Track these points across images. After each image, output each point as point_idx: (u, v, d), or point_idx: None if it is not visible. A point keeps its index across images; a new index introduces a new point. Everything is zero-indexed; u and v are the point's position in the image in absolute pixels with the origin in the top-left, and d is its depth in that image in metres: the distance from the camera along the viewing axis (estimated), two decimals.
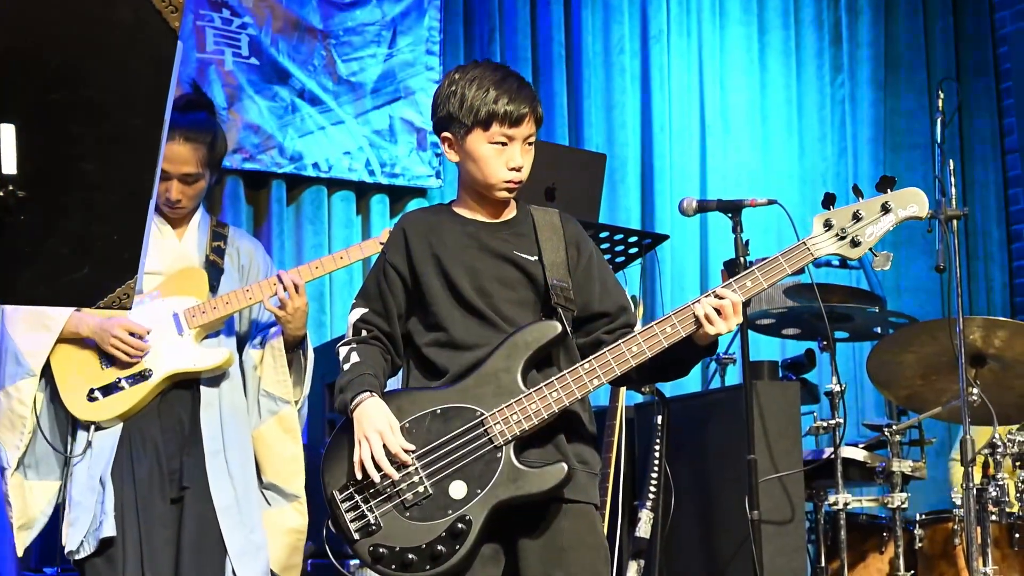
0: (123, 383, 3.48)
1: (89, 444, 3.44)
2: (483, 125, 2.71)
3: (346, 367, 2.73)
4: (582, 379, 2.64)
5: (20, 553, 3.47)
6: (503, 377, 2.64)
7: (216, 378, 3.57)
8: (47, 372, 3.49)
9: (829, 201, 2.71)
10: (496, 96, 2.69)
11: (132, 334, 3.47)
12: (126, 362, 3.48)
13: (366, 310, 2.79)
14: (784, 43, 6.63)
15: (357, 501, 2.64)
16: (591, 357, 2.66)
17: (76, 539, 3.38)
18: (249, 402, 3.64)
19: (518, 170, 2.72)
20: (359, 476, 2.63)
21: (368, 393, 2.66)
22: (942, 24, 6.94)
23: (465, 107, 2.71)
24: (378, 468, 2.60)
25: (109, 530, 3.36)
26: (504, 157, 2.71)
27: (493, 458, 2.62)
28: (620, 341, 2.66)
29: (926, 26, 6.91)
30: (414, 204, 5.73)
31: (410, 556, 2.59)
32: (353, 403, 2.66)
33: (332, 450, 2.72)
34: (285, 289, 3.53)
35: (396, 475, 2.61)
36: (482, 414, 2.63)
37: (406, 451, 2.62)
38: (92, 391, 3.47)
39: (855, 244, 2.67)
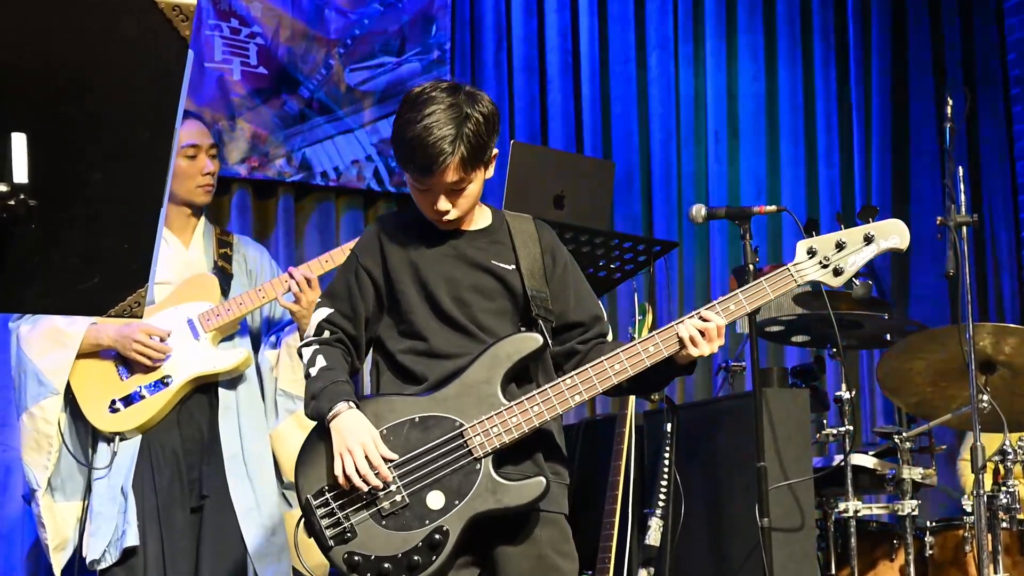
0: (144, 392, 3.49)
1: (114, 455, 3.45)
2: (404, 171, 2.70)
3: (313, 371, 2.68)
4: (564, 395, 2.64)
5: (57, 574, 3.46)
6: (484, 389, 2.63)
7: (233, 381, 3.58)
8: (66, 389, 3.49)
9: (812, 227, 2.75)
10: (409, 147, 2.61)
11: (152, 337, 3.48)
12: (149, 366, 3.48)
13: (332, 310, 2.74)
14: (791, 51, 6.62)
15: (333, 508, 2.61)
16: (573, 373, 2.65)
17: (99, 548, 3.38)
18: (267, 403, 3.65)
19: (444, 212, 2.67)
20: (340, 487, 2.59)
21: (346, 403, 2.62)
22: (950, 31, 6.92)
23: (394, 148, 2.69)
24: (362, 482, 2.57)
25: (132, 539, 3.37)
26: (429, 199, 2.67)
27: (472, 470, 2.60)
28: (603, 358, 2.65)
29: (934, 33, 6.90)
30: None
31: (386, 565, 2.57)
32: (331, 413, 2.62)
33: (305, 455, 2.68)
34: (298, 284, 3.54)
35: (381, 486, 2.58)
36: (462, 425, 2.62)
37: (388, 464, 2.58)
38: (114, 402, 3.48)
39: (837, 272, 2.71)
